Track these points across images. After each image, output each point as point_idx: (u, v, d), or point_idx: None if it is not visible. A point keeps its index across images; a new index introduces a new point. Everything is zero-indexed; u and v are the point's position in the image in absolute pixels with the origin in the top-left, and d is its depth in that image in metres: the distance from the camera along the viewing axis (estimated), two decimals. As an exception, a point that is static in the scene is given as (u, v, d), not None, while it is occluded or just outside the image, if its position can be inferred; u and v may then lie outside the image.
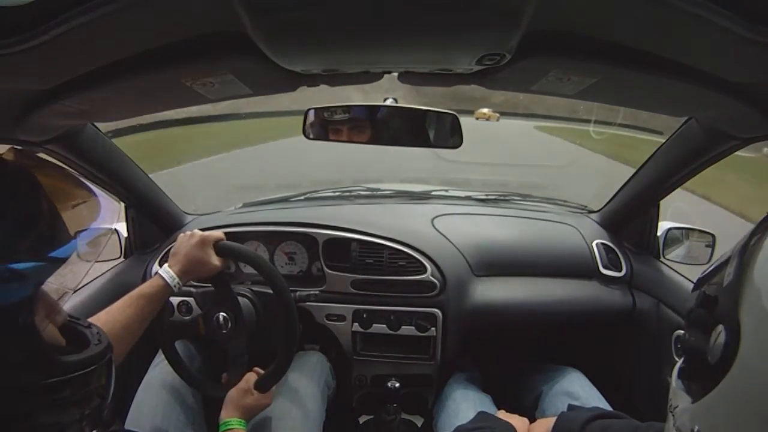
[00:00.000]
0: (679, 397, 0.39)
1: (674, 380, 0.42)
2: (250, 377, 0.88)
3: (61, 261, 0.39)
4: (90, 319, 0.69)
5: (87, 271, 0.45)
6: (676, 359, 0.45)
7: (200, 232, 0.88)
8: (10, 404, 0.36)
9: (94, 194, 0.46)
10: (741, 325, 0.31)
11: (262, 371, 0.89)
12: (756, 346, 0.30)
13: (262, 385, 0.87)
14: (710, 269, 0.42)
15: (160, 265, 1.16)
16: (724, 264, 0.38)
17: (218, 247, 0.88)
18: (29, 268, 0.36)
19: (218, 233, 0.90)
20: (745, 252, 0.35)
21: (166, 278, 0.81)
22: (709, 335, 0.35)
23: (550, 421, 0.77)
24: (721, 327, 0.33)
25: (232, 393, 0.86)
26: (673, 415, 0.39)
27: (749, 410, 0.30)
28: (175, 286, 0.81)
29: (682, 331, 0.42)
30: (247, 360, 0.89)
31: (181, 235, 0.90)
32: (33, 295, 0.38)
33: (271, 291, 0.91)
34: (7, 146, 0.68)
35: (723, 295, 0.35)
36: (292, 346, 0.88)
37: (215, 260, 0.87)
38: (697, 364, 0.37)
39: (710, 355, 0.34)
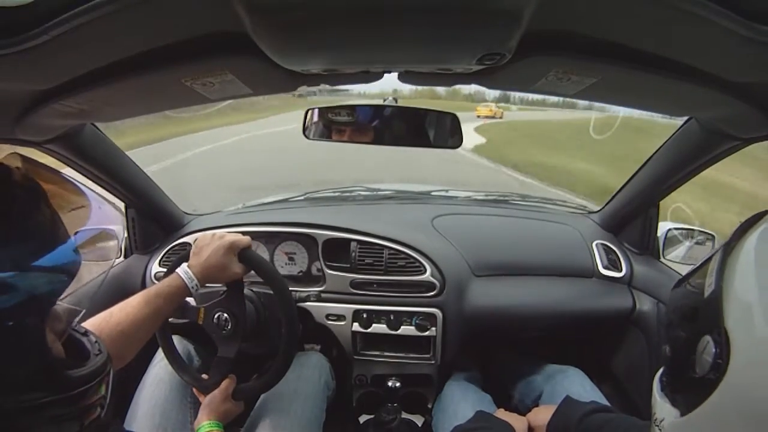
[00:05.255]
0: (664, 410, 0.38)
1: (656, 391, 0.41)
2: (229, 384, 0.88)
3: (69, 270, 0.39)
4: (103, 315, 0.69)
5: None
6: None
7: (231, 237, 0.85)
8: (12, 421, 0.35)
9: (89, 199, 0.45)
10: (729, 336, 0.31)
11: (234, 380, 0.89)
12: (747, 356, 0.30)
13: (239, 395, 0.88)
14: (685, 281, 0.42)
15: (161, 266, 1.17)
16: (701, 275, 0.38)
17: (242, 255, 0.85)
18: (39, 278, 0.36)
19: (247, 240, 0.87)
20: (725, 262, 0.35)
21: (185, 279, 0.79)
22: (693, 347, 0.34)
23: (551, 409, 0.78)
24: (707, 338, 0.33)
25: (215, 397, 0.85)
26: (660, 429, 0.39)
27: (746, 418, 0.30)
28: (193, 287, 0.80)
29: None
30: (232, 365, 0.89)
31: (209, 234, 0.86)
32: (45, 307, 0.37)
33: (270, 291, 0.91)
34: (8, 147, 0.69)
35: (705, 306, 0.35)
36: (293, 347, 0.88)
37: (237, 267, 0.85)
38: (683, 377, 0.36)
39: (698, 366, 0.34)
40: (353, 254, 1.12)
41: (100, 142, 0.94)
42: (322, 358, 1.12)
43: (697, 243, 1.15)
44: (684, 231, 1.17)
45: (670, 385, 0.40)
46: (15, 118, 0.62)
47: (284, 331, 0.87)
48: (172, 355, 0.93)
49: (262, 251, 1.18)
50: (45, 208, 0.38)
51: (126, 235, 1.22)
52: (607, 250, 1.21)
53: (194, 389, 0.92)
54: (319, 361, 1.09)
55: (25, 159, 0.42)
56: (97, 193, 0.47)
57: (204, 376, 0.91)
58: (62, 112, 0.62)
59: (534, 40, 0.46)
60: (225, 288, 0.91)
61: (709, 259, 0.38)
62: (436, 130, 0.85)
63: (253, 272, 0.88)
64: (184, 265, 0.82)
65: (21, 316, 0.35)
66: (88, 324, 0.67)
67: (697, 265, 0.42)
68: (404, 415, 1.18)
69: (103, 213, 0.47)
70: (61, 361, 0.40)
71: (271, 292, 0.90)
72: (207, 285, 0.84)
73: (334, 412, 1.07)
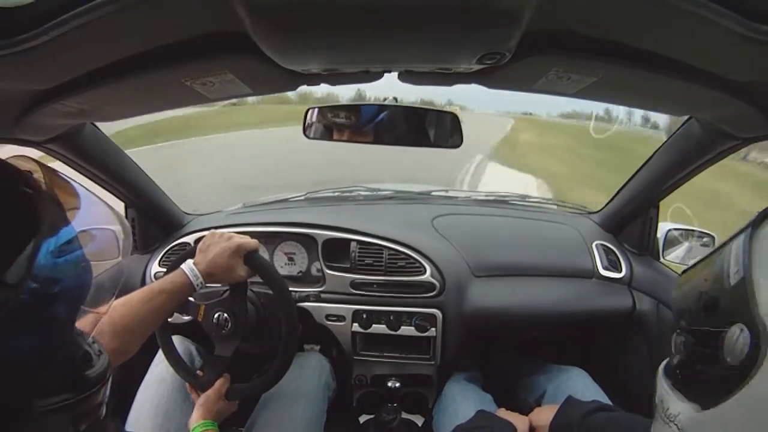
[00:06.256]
0: (678, 405, 0.37)
1: (665, 385, 0.40)
2: (223, 383, 0.88)
3: (86, 269, 0.39)
4: (114, 306, 0.69)
5: None
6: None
7: (239, 240, 0.84)
8: (42, 423, 0.35)
9: (82, 200, 0.45)
10: (766, 323, 0.30)
11: (228, 379, 0.89)
12: None
13: (233, 395, 0.88)
14: (700, 273, 0.41)
15: (161, 266, 1.17)
16: (717, 264, 0.37)
17: (248, 258, 0.85)
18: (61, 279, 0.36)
19: (255, 243, 0.87)
20: (752, 247, 0.34)
21: (190, 276, 0.79)
22: (717, 338, 0.34)
23: (553, 409, 0.78)
24: (739, 327, 0.32)
25: (209, 396, 0.85)
26: (674, 423, 0.37)
27: None
28: (198, 285, 0.79)
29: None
30: (228, 365, 0.89)
31: (217, 233, 0.86)
32: (75, 308, 0.38)
33: (270, 291, 0.91)
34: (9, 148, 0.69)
35: (730, 295, 0.34)
36: (293, 347, 0.88)
37: (242, 270, 0.85)
38: (706, 369, 0.35)
39: (729, 357, 0.33)
40: (353, 254, 1.12)
41: (100, 142, 0.94)
42: (322, 358, 1.12)
43: (696, 244, 1.15)
44: (684, 231, 1.17)
45: (686, 379, 0.39)
46: (15, 118, 0.62)
47: (284, 331, 0.87)
48: (171, 353, 0.93)
49: (262, 251, 1.18)
50: (59, 210, 0.38)
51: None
52: (607, 251, 1.21)
53: (188, 387, 0.92)
54: (319, 362, 1.09)
55: (32, 160, 0.42)
56: (92, 192, 0.46)
57: (199, 372, 0.91)
58: (62, 112, 0.62)
59: (534, 40, 0.46)
60: (226, 288, 0.91)
61: (721, 247, 0.37)
62: (436, 130, 0.85)
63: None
64: (190, 261, 0.82)
65: (55, 318, 0.36)
66: (91, 317, 0.67)
67: (710, 253, 0.41)
68: (404, 416, 1.18)
69: (95, 214, 0.47)
70: (79, 363, 0.41)
71: (271, 292, 0.90)
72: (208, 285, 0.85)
73: (334, 412, 1.06)
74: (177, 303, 0.80)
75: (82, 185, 0.43)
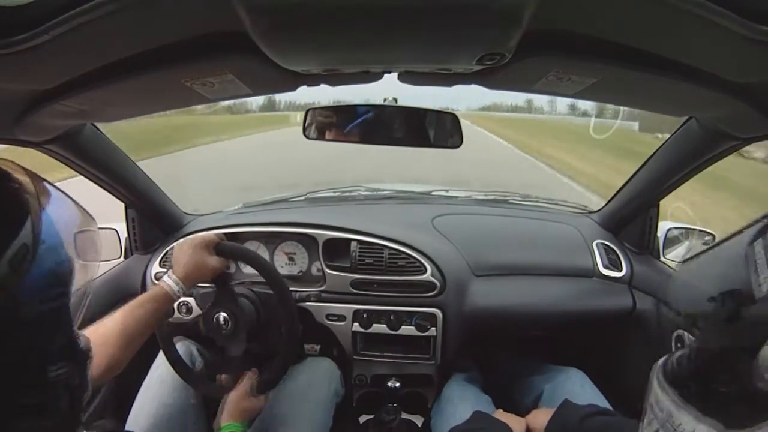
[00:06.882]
0: (690, 419, 0.34)
1: (668, 391, 0.36)
2: (247, 380, 0.88)
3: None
4: (88, 331, 0.70)
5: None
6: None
7: (201, 235, 0.89)
8: (51, 389, 0.37)
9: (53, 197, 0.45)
10: None
11: (256, 373, 0.89)
12: None
13: (259, 389, 0.88)
14: (710, 272, 0.38)
15: (161, 266, 1.17)
16: (736, 266, 0.34)
17: (217, 249, 0.89)
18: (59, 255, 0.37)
19: (214, 235, 0.91)
20: None
21: (169, 283, 0.82)
22: (748, 352, 0.30)
23: (549, 412, 0.78)
24: None
25: (232, 396, 0.85)
26: None
27: None
28: (177, 291, 0.82)
29: (683, 331, 0.39)
30: (244, 361, 0.89)
31: (181, 240, 0.91)
32: (70, 281, 0.39)
33: (271, 291, 0.91)
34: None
35: (761, 307, 0.31)
36: (292, 346, 0.88)
37: (214, 262, 0.88)
38: (734, 386, 0.32)
39: (767, 374, 0.29)
40: (353, 254, 1.12)
41: (100, 142, 0.94)
42: (332, 365, 1.12)
43: (697, 242, 1.15)
44: (684, 230, 1.17)
45: (703, 393, 0.35)
46: (15, 118, 0.62)
47: (284, 328, 0.88)
48: (184, 370, 0.94)
49: (263, 251, 1.18)
50: (39, 203, 0.39)
51: (126, 235, 1.22)
52: (608, 250, 1.21)
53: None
54: (329, 368, 1.10)
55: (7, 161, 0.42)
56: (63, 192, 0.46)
57: (223, 376, 0.92)
58: (62, 112, 0.62)
59: (534, 40, 0.46)
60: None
61: (730, 241, 0.35)
62: (436, 130, 0.85)
63: (254, 273, 0.88)
64: (170, 271, 0.85)
65: (58, 289, 0.37)
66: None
67: (713, 246, 0.38)
68: (404, 416, 1.18)
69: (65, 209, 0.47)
70: (71, 335, 0.42)
71: (271, 291, 0.90)
72: (200, 285, 0.86)
73: (334, 412, 1.07)
74: (160, 313, 0.82)
75: (54, 185, 0.43)
